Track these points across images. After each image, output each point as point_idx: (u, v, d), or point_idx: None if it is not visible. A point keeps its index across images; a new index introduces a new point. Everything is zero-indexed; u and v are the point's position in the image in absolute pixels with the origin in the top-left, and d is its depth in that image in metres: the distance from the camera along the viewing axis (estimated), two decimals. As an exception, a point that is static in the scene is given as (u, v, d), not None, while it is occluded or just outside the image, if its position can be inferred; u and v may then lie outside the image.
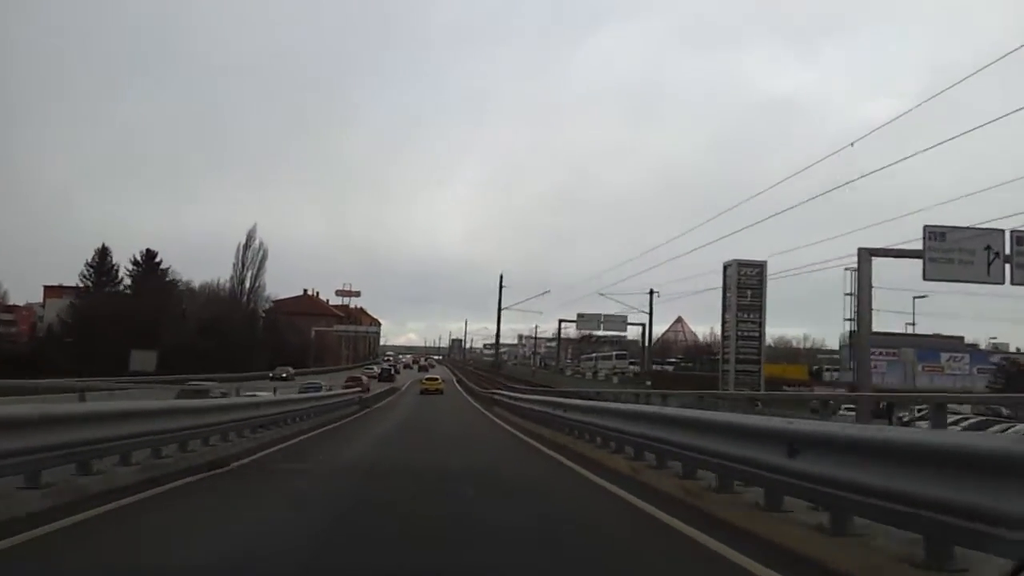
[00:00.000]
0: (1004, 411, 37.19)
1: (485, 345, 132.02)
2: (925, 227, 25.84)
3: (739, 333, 56.75)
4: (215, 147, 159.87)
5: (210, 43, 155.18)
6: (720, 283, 55.62)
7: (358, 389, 37.67)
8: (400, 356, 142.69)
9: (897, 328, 58.37)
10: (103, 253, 71.88)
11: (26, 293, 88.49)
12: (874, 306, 27.65)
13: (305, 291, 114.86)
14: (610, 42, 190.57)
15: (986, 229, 25.61)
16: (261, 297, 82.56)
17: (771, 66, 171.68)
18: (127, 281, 72.53)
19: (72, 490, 7.17)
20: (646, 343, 68.84)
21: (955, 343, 74.01)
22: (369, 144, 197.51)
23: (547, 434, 16.28)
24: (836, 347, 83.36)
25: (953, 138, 23.36)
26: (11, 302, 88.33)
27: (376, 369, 78.99)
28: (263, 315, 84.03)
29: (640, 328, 70.50)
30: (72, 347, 57.56)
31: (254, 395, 23.54)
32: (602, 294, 55.71)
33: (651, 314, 57.48)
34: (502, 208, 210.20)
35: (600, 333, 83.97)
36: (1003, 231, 26.09)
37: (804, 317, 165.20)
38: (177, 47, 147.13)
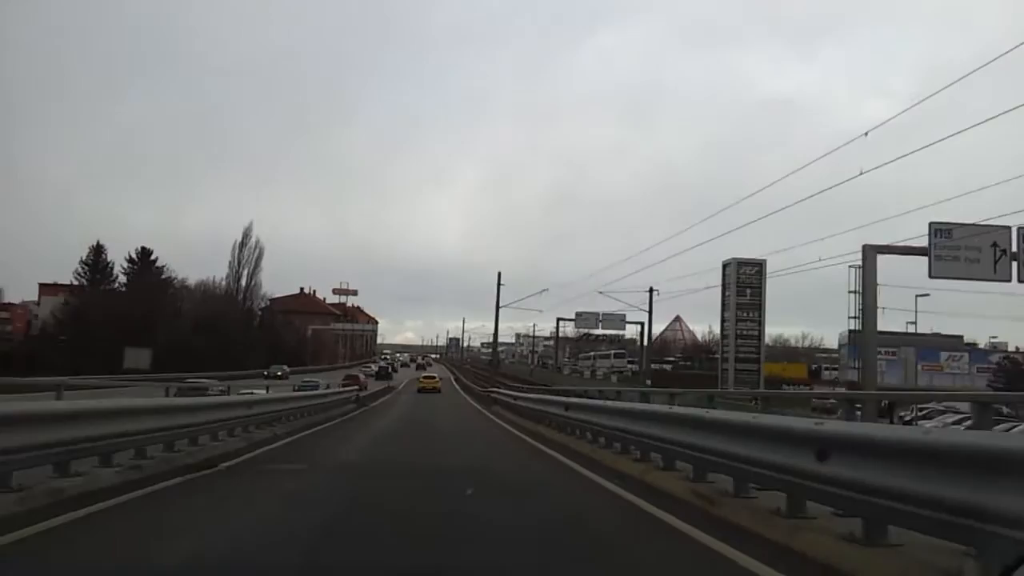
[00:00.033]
0: (1005, 410, 36.98)
1: (483, 344, 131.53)
2: (931, 224, 25.41)
3: (738, 332, 56.46)
4: (213, 146, 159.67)
5: (209, 43, 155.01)
6: (718, 282, 55.35)
7: (355, 388, 37.24)
8: (397, 355, 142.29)
9: (897, 326, 57.99)
10: (97, 250, 71.31)
11: (23, 291, 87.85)
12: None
13: (302, 289, 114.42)
14: (610, 42, 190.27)
15: (993, 226, 25.18)
16: (257, 295, 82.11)
17: (770, 66, 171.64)
18: (123, 279, 72.14)
19: (47, 493, 6.74)
20: (645, 342, 68.36)
21: (954, 342, 73.71)
22: (367, 143, 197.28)
23: (548, 433, 15.85)
24: (834, 346, 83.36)
25: (953, 135, 22.83)
26: (7, 300, 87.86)
27: (373, 367, 78.69)
28: (259, 313, 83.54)
29: (638, 327, 70.10)
30: (66, 345, 57.07)
31: (251, 392, 23.12)
32: (601, 292, 55.20)
33: (651, 312, 56.97)
34: (500, 207, 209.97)
35: (598, 332, 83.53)
36: (1010, 228, 25.68)
37: (802, 316, 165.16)
38: (175, 46, 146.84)
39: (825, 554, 4.80)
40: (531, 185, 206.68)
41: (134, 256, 72.03)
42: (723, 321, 58.15)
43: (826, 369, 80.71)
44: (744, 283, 56.59)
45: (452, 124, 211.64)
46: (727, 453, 6.56)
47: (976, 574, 3.79)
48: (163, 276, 73.15)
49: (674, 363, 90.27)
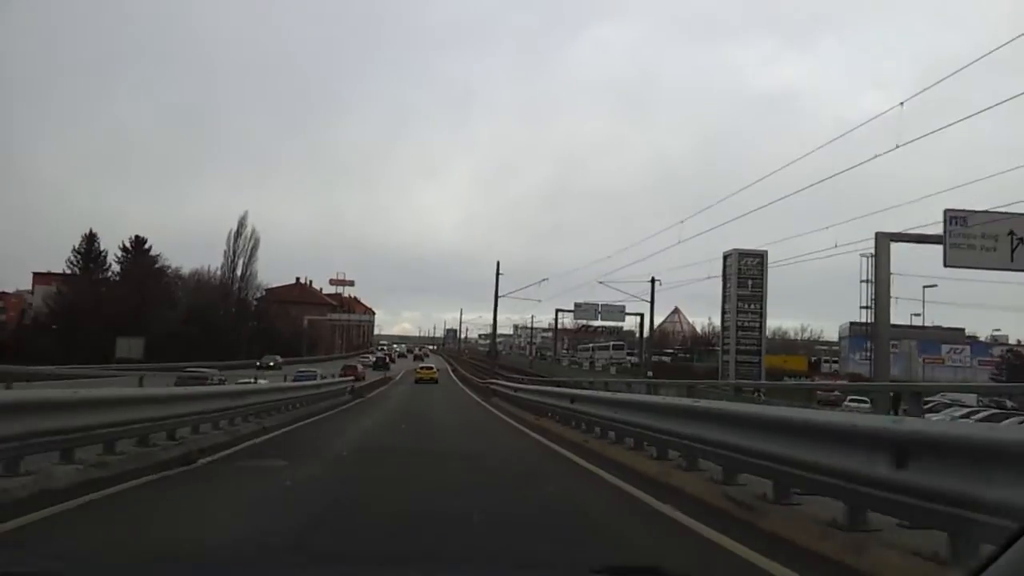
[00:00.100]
0: (1008, 403, 36.31)
1: (480, 336, 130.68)
2: (946, 211, 24.54)
3: (739, 324, 55.73)
4: (209, 137, 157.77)
5: (205, 33, 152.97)
6: (717, 273, 54.61)
7: (351, 378, 36.58)
8: (395, 345, 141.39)
9: (902, 319, 57.28)
10: (90, 239, 70.45)
11: (18, 281, 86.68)
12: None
13: (298, 279, 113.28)
14: (608, 33, 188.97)
15: (1010, 213, 24.30)
16: (253, 285, 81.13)
17: (767, 58, 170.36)
18: (116, 268, 71.37)
19: (-11, 495, 5.91)
20: (646, 333, 67.55)
21: (956, 335, 73.21)
22: (364, 134, 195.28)
23: (554, 428, 15.00)
24: (833, 338, 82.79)
25: (954, 123, 21.99)
26: (2, 289, 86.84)
27: (371, 358, 78.05)
28: (255, 303, 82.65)
29: (637, 318, 69.26)
30: (57, 334, 56.27)
31: (249, 382, 22.37)
32: (602, 282, 54.31)
33: (652, 303, 56.11)
34: (498, 198, 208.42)
35: (597, 323, 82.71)
36: (1028, 215, 24.83)
37: (800, 309, 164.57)
38: (171, 38, 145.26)
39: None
40: (529, 176, 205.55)
41: (128, 245, 71.33)
42: (724, 313, 57.45)
43: (825, 361, 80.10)
44: (745, 274, 55.85)
45: (449, 115, 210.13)
46: (766, 453, 5.73)
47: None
48: (157, 265, 72.39)
49: (673, 355, 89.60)
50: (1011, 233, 24.64)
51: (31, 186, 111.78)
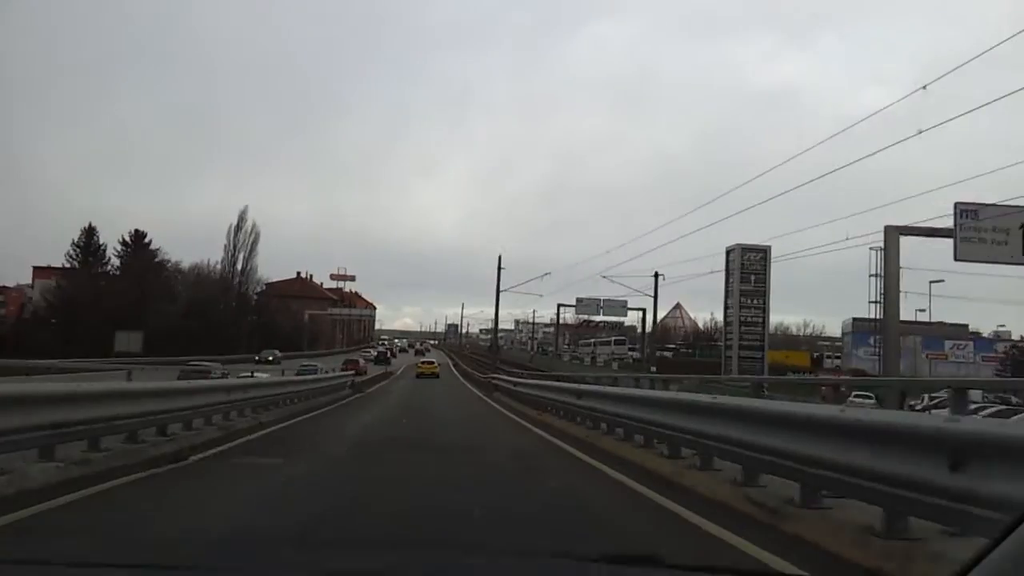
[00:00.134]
0: (1013, 399, 35.87)
1: (481, 330, 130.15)
2: (956, 204, 24.06)
3: (742, 319, 55.30)
4: (210, 133, 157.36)
5: (205, 33, 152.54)
6: (718, 268, 54.18)
7: (351, 372, 36.28)
8: (396, 340, 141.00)
9: (905, 314, 56.87)
10: (89, 232, 70.08)
11: (19, 275, 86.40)
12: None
13: (298, 274, 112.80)
14: (606, 30, 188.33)
15: (1022, 206, 23.83)
16: (253, 279, 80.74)
17: (767, 55, 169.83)
18: (116, 262, 71.04)
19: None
20: (649, 328, 67.06)
21: (959, 331, 72.89)
22: (365, 131, 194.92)
23: (558, 424, 14.60)
24: (836, 334, 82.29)
25: (977, 108, 21.51)
26: (3, 283, 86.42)
27: (372, 353, 77.84)
28: (255, 297, 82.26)
29: (640, 313, 68.83)
30: (56, 328, 55.98)
31: (249, 375, 22.03)
32: (604, 276, 53.83)
33: (656, 298, 55.65)
34: (498, 194, 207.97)
35: (599, 318, 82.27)
36: (1040, 209, 24.36)
37: (801, 304, 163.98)
38: (172, 35, 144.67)
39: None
40: (529, 172, 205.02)
41: (127, 239, 70.96)
42: (727, 308, 57.03)
43: (828, 357, 79.71)
44: (748, 269, 55.40)
45: (449, 111, 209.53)
46: (793, 453, 5.32)
47: None
48: (157, 259, 72.04)
49: (675, 350, 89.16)
50: (1023, 227, 24.18)
51: (32, 183, 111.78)
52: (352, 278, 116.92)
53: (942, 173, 68.68)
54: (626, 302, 66.96)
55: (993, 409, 28.12)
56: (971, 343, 71.77)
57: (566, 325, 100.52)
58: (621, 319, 78.40)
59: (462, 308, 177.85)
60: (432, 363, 56.81)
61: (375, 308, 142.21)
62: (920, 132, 17.82)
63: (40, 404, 6.64)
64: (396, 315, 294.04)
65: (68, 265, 69.78)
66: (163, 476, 7.72)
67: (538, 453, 11.46)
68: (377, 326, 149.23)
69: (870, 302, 29.04)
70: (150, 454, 8.60)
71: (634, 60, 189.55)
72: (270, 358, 54.32)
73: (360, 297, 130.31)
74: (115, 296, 58.99)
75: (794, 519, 5.09)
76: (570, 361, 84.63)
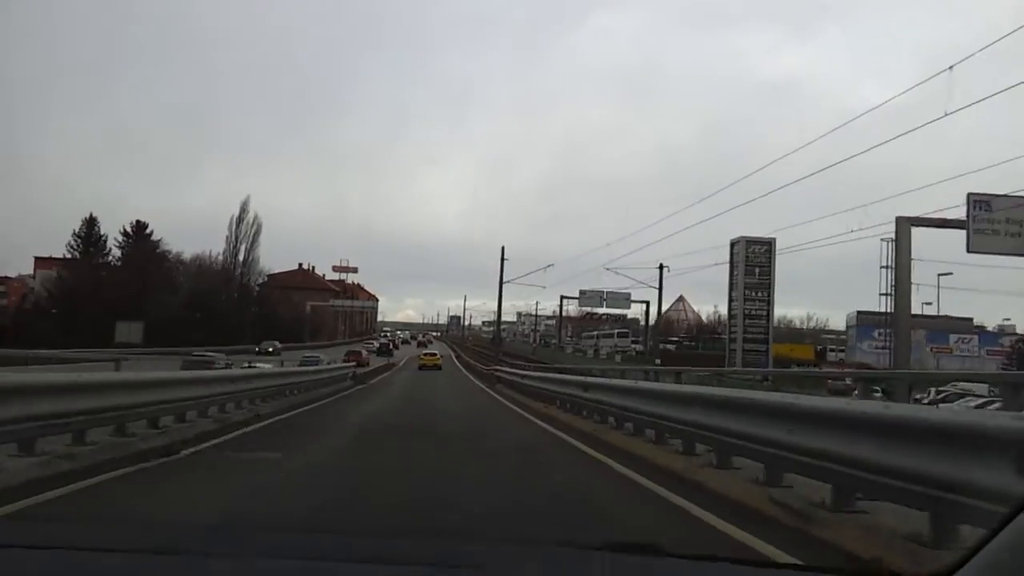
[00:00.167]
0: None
1: (484, 323, 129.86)
2: (969, 195, 23.58)
3: (747, 311, 54.85)
4: (213, 124, 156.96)
5: (205, 33, 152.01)
6: (722, 260, 53.73)
7: (353, 363, 36.04)
8: (398, 332, 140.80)
9: (913, 306, 56.45)
10: (90, 223, 69.94)
11: (21, 266, 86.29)
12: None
13: (300, 265, 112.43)
14: (610, 22, 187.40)
15: (1037, 198, 23.37)
16: (255, 270, 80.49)
17: (770, 47, 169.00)
18: (117, 252, 70.89)
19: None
20: (653, 320, 66.65)
21: (964, 324, 72.47)
22: (368, 123, 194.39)
23: (563, 417, 14.21)
24: (840, 327, 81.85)
25: (959, 109, 21.03)
26: (5, 274, 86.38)
27: (375, 344, 77.64)
28: (257, 288, 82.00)
29: (644, 306, 68.37)
30: (57, 318, 55.82)
31: (250, 365, 21.77)
32: (608, 268, 53.41)
33: (661, 290, 55.20)
34: (502, 186, 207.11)
35: (602, 311, 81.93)
36: (1054, 200, 23.86)
37: (805, 297, 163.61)
38: (176, 26, 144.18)
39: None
40: (531, 166, 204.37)
41: (128, 230, 70.78)
42: (731, 300, 56.57)
43: (831, 351, 79.36)
44: (753, 262, 54.89)
45: (453, 104, 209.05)
46: (824, 452, 4.93)
47: None
48: (158, 250, 71.88)
49: (678, 343, 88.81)
50: (1036, 218, 23.73)
51: (35, 174, 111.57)
52: (354, 270, 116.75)
53: (946, 167, 68.12)
54: (630, 294, 66.51)
55: (999, 404, 27.74)
56: (976, 337, 71.41)
57: (569, 317, 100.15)
58: (624, 311, 78.02)
59: (464, 300, 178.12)
60: (435, 355, 56.63)
61: (377, 300, 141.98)
62: (946, 114, 17.40)
63: (22, 394, 6.26)
64: (398, 307, 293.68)
65: (69, 256, 69.75)
66: (152, 470, 7.37)
67: (542, 446, 11.13)
68: (379, 318, 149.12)
69: (881, 294, 28.61)
70: (139, 447, 8.24)
71: (639, 51, 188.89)
72: (270, 349, 54.09)
73: (362, 289, 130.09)
74: (116, 287, 58.81)
75: (825, 524, 4.69)
76: (573, 353, 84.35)
